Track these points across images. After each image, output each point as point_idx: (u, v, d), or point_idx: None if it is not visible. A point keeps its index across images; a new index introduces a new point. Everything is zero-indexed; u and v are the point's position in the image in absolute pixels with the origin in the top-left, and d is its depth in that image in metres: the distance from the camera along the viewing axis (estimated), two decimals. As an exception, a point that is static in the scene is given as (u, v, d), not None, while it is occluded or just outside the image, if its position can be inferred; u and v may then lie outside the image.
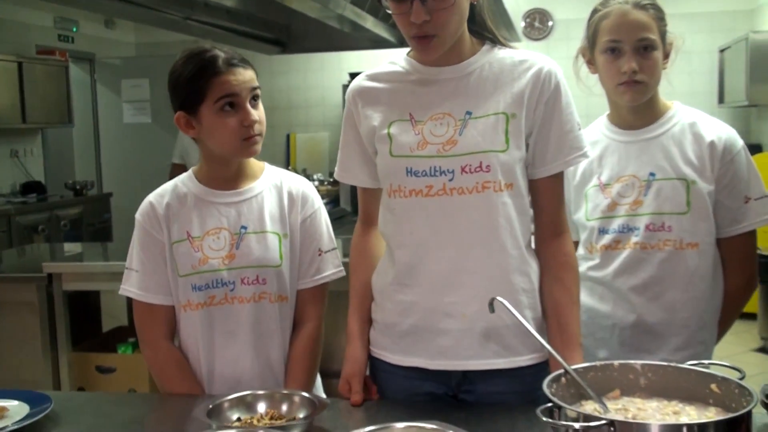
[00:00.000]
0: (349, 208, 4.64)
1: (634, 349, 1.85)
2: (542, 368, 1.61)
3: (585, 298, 1.87)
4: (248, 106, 1.69)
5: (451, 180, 1.53)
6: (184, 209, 1.76)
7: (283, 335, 1.78)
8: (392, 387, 1.67)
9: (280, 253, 1.75)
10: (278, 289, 1.75)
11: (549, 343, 1.48)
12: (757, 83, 5.93)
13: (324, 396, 1.84)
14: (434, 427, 1.30)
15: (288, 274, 1.77)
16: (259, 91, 1.73)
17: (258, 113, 1.71)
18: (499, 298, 1.42)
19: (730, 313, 1.93)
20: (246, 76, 1.70)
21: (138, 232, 1.78)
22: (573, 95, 1.61)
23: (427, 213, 1.55)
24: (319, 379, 1.88)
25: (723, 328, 1.94)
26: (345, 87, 7.28)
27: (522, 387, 1.59)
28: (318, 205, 1.86)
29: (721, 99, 6.76)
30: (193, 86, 1.68)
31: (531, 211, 1.62)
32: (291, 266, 1.78)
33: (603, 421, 1.13)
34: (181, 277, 1.73)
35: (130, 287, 1.77)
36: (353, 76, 6.95)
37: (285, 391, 1.53)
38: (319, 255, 1.82)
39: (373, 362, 1.71)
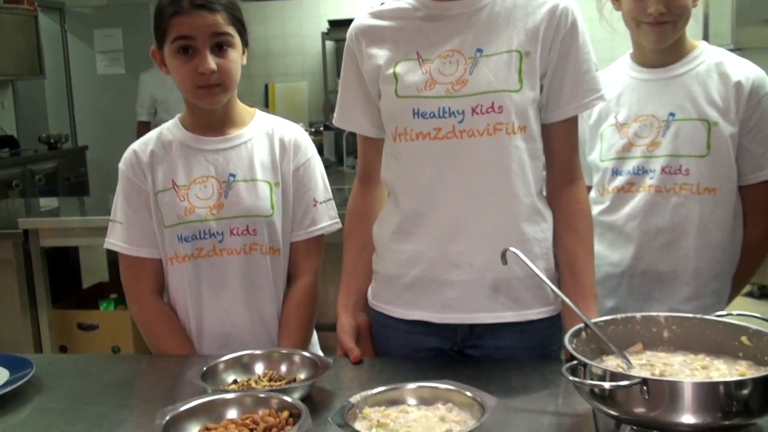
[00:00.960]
0: (333, 158, 4.52)
1: (643, 297, 1.78)
2: (553, 322, 1.54)
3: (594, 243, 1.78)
4: (206, 52, 1.57)
5: (460, 122, 1.43)
6: (169, 157, 1.67)
7: (275, 289, 1.70)
8: (394, 342, 1.59)
9: (272, 203, 1.66)
10: (269, 241, 1.66)
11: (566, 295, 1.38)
12: (743, 26, 5.80)
13: (320, 352, 1.77)
14: (449, 387, 1.21)
15: (280, 226, 1.68)
16: (228, 38, 1.59)
17: (222, 62, 1.58)
18: (512, 248, 1.34)
19: (747, 265, 1.85)
20: (209, 20, 1.56)
21: (121, 182, 1.69)
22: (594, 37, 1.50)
23: (434, 157, 1.46)
24: (315, 336, 1.80)
25: (739, 280, 1.85)
26: (324, 35, 7.10)
27: (532, 342, 1.53)
28: (312, 153, 1.75)
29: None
30: (158, 22, 1.60)
31: (543, 158, 1.53)
32: (283, 217, 1.69)
33: (636, 380, 1.05)
34: (166, 228, 1.65)
35: (114, 240, 1.69)
36: (332, 23, 6.83)
37: (284, 351, 1.45)
38: (314, 206, 1.72)
39: (374, 317, 1.62)
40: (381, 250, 1.59)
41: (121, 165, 1.69)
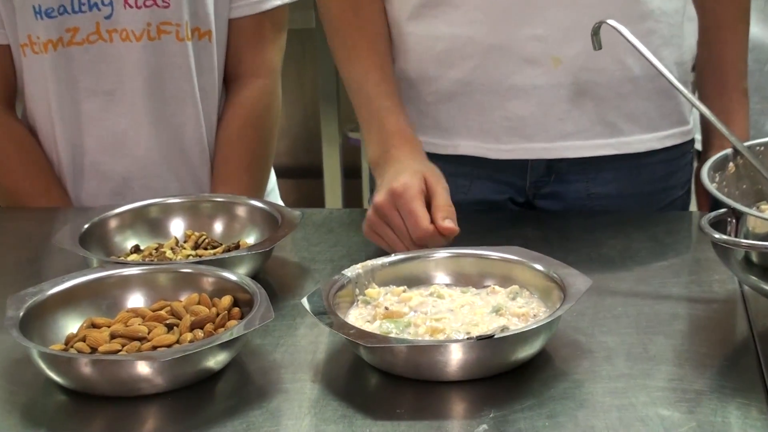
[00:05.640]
0: None
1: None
2: (683, 152, 1.52)
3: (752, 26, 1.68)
4: None
5: None
6: None
7: (204, 102, 1.67)
8: None
9: None
10: (192, 17, 1.62)
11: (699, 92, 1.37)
12: None
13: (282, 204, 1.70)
14: (510, 256, 1.13)
15: None
16: None
17: None
18: (610, 21, 1.23)
19: None
20: None
21: None
22: None
23: None
24: (273, 178, 1.80)
25: None
26: None
27: (649, 184, 1.49)
28: None
29: None
30: None
31: None
32: None
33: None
34: None
35: None
36: None
37: (219, 198, 1.41)
38: None
39: None
40: (398, 36, 1.48)
41: None
